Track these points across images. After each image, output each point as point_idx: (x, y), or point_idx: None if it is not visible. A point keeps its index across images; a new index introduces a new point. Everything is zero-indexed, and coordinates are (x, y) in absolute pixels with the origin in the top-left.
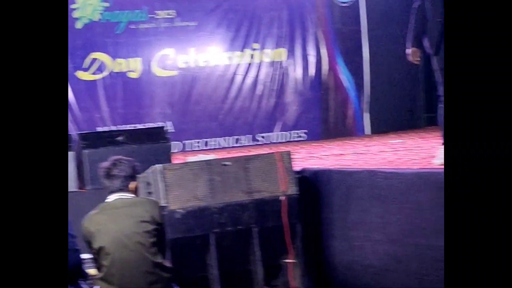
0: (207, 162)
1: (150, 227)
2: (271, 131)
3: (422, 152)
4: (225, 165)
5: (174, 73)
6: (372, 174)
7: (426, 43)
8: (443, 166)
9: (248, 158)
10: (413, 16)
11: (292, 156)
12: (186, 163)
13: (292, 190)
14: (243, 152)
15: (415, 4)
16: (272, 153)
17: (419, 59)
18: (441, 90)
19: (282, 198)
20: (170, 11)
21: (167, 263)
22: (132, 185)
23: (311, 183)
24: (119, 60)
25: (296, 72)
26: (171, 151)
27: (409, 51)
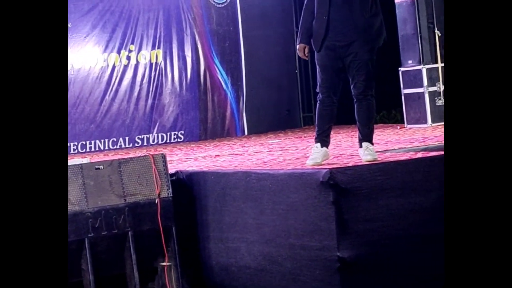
0: (80, 166)
1: None
2: (149, 132)
3: (297, 153)
4: (98, 168)
5: None
6: (246, 175)
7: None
8: (314, 167)
9: (121, 162)
10: (303, 13)
11: (168, 158)
12: None
13: (167, 192)
14: (121, 154)
15: (306, 0)
16: (146, 155)
17: (307, 55)
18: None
19: (157, 201)
20: None
21: None
22: None
23: (186, 185)
24: None
25: (173, 73)
26: None
27: (298, 46)
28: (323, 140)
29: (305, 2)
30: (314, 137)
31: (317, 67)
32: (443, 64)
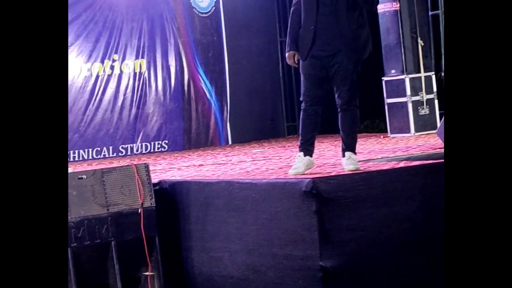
0: None
1: None
2: (133, 142)
3: (281, 162)
4: (81, 178)
5: None
6: (229, 184)
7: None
8: (297, 176)
9: (104, 171)
10: (290, 21)
11: (152, 168)
12: None
13: (150, 202)
14: (105, 163)
15: (292, 8)
16: (129, 165)
17: (296, 62)
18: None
19: (140, 210)
20: None
21: None
22: None
23: (169, 195)
24: None
25: (157, 83)
26: None
27: (287, 54)
28: (307, 149)
29: (291, 10)
30: (298, 146)
31: (302, 75)
32: (426, 74)
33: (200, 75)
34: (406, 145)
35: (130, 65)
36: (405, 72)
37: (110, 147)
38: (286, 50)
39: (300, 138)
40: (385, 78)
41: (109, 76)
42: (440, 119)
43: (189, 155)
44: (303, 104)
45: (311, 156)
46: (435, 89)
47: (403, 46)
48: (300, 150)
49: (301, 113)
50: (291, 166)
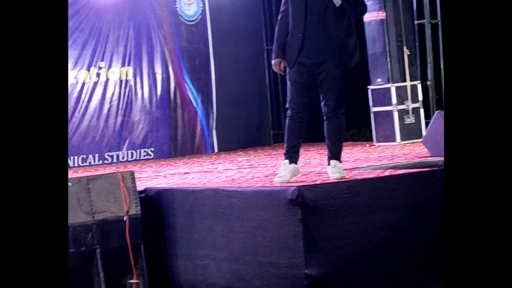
0: None
1: None
2: (119, 149)
3: (266, 170)
4: None
5: None
6: (215, 192)
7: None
8: (283, 184)
9: (90, 179)
10: (278, 28)
11: (137, 175)
12: None
13: (135, 210)
14: (91, 171)
15: (280, 15)
16: (115, 173)
17: (283, 69)
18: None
19: (125, 218)
20: None
21: None
22: None
23: (155, 203)
24: None
25: (143, 90)
26: None
27: (273, 61)
28: (292, 156)
29: (278, 18)
30: (283, 154)
31: (288, 82)
32: (411, 83)
33: (186, 82)
34: (392, 153)
35: (116, 72)
36: (391, 81)
37: (96, 155)
38: (273, 58)
39: (285, 146)
40: (371, 87)
41: (95, 83)
42: (426, 128)
43: (175, 163)
44: (289, 111)
45: (296, 163)
46: (420, 98)
47: (389, 55)
48: (286, 158)
49: (287, 120)
50: (277, 174)
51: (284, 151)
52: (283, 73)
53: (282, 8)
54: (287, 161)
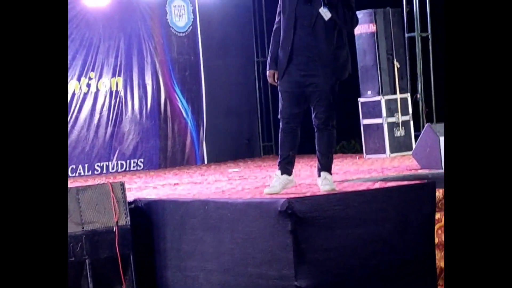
0: None
1: None
2: (109, 160)
3: (256, 182)
4: None
5: None
6: (205, 204)
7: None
8: (273, 196)
9: (79, 189)
10: (272, 40)
11: (127, 186)
12: None
13: (125, 221)
14: (80, 181)
15: (274, 27)
16: (104, 183)
17: (276, 81)
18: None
19: (115, 229)
20: None
21: None
22: None
23: (145, 214)
24: None
25: (133, 101)
26: None
27: (268, 73)
28: (284, 167)
29: (273, 29)
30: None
31: (279, 94)
32: (401, 95)
33: (177, 94)
34: (382, 166)
35: (107, 83)
36: (381, 94)
37: (86, 165)
38: (267, 69)
39: (279, 157)
40: (361, 99)
41: (86, 94)
42: (416, 140)
43: (165, 174)
44: (281, 122)
45: (289, 174)
46: (410, 110)
47: (379, 67)
48: (278, 169)
49: (279, 132)
50: (267, 186)
51: (277, 162)
52: (277, 85)
53: (276, 20)
54: (279, 172)
